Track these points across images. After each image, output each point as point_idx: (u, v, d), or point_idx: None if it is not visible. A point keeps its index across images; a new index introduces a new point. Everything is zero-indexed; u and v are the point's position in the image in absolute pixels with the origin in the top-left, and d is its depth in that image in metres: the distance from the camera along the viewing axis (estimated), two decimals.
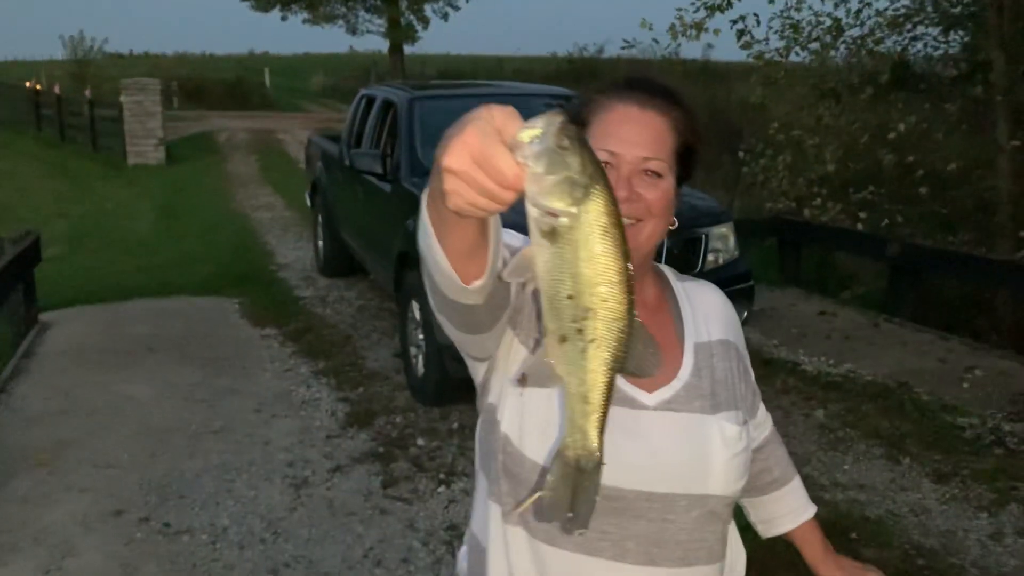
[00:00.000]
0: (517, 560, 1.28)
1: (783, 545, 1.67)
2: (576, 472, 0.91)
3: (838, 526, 3.88)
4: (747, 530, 1.55)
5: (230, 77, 32.64)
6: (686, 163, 1.35)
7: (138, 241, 11.31)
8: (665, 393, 1.30)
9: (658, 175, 1.30)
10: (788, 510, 1.61)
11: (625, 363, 0.89)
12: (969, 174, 8.19)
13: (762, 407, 1.57)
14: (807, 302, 7.53)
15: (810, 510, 1.61)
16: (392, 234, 5.68)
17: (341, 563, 3.62)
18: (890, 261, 6.81)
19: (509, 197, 0.81)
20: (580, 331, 0.83)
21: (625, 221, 1.26)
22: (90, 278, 8.98)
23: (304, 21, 25.18)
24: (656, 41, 9.30)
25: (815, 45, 8.08)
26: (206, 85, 30.95)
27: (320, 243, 8.44)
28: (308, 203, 9.08)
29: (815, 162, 8.65)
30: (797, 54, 8.15)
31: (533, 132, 0.79)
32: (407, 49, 27.22)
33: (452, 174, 0.81)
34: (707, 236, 5.28)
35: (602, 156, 1.27)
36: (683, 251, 5.17)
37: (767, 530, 1.63)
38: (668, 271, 1.48)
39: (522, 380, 0.94)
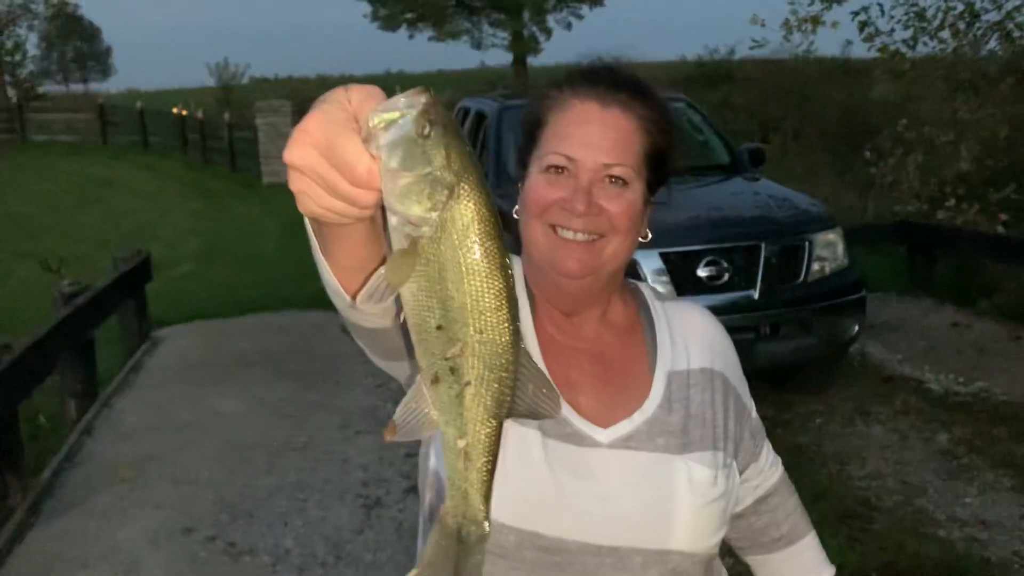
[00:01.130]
0: None
1: None
2: (456, 544, 0.74)
3: (952, 568, 3.45)
4: None
5: None
6: (658, 167, 1.17)
7: (262, 257, 11.71)
8: (624, 428, 1.13)
9: (623, 183, 1.12)
10: (798, 572, 1.37)
11: (513, 407, 0.71)
12: None
13: (767, 449, 1.34)
14: (939, 313, 6.89)
15: (825, 574, 1.36)
16: None
17: None
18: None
19: (367, 198, 0.66)
20: (454, 370, 0.67)
21: (585, 238, 1.10)
22: (212, 293, 9.32)
23: (430, 39, 25.74)
24: (787, 39, 8.78)
25: (945, 33, 7.42)
26: None
27: None
28: None
29: (950, 160, 7.94)
30: (925, 44, 7.49)
31: (388, 116, 0.63)
32: (534, 61, 27.30)
33: (296, 171, 0.66)
34: (811, 243, 4.86)
35: (559, 162, 1.12)
36: (783, 259, 4.78)
37: None
38: (647, 290, 1.29)
39: (390, 430, 0.74)
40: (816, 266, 4.88)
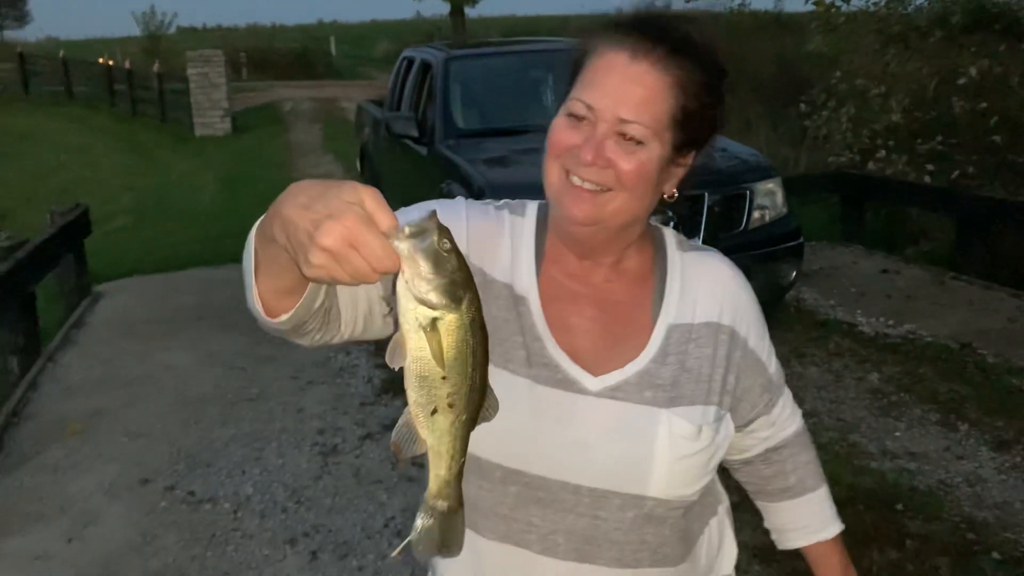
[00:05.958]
0: None
1: None
2: (442, 517, 0.99)
3: (884, 497, 3.67)
4: None
5: (297, 47, 32.86)
6: (689, 128, 1.12)
7: (199, 211, 11.51)
8: (614, 378, 1.16)
9: (637, 142, 1.09)
10: (801, 525, 1.39)
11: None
12: None
13: (783, 403, 1.35)
14: (869, 260, 7.17)
15: (830, 529, 1.39)
16: (428, 198, 5.58)
17: (360, 532, 3.57)
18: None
19: (376, 279, 0.82)
20: (451, 405, 0.91)
21: (591, 187, 1.12)
22: (150, 249, 9.16)
23: None
24: None
25: None
26: (273, 56, 31.22)
27: None
28: (359, 170, 9.11)
29: (880, 112, 8.19)
30: None
31: (416, 228, 0.83)
32: (472, 13, 26.95)
33: (325, 252, 0.80)
34: (752, 192, 5.02)
35: (579, 109, 1.11)
36: (726, 208, 4.92)
37: (780, 541, 1.43)
38: (673, 239, 1.28)
39: (395, 447, 0.92)
40: (756, 214, 5.04)
